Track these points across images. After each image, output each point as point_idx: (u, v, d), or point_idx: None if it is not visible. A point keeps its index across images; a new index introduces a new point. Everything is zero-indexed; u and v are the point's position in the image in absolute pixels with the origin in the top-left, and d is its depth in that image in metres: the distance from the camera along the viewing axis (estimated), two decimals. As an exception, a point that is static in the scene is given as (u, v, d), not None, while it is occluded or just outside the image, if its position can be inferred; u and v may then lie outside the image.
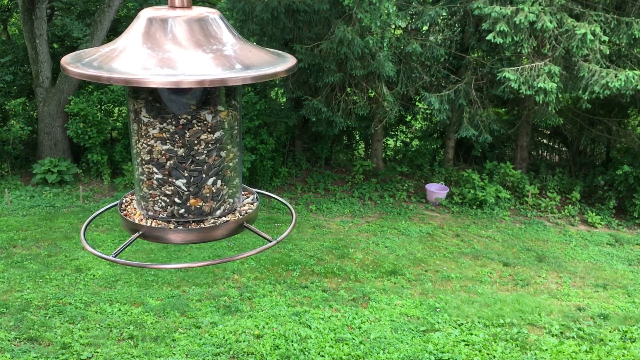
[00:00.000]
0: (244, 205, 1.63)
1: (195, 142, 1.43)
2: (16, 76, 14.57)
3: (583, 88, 10.92)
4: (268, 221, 11.47)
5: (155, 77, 1.19)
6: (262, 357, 6.69)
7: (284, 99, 15.33)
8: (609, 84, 10.44)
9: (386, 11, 10.45)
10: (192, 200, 1.49)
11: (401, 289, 8.99)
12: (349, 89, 12.77)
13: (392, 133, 16.50)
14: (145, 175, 1.49)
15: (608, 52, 11.00)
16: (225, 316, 7.65)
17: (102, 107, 14.38)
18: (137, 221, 1.53)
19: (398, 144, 16.76)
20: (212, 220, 1.52)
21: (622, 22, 10.93)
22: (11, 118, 15.09)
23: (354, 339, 7.17)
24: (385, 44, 11.30)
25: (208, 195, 1.50)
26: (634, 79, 10.38)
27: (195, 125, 1.42)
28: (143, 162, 1.48)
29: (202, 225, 1.51)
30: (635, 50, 11.79)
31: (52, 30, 14.23)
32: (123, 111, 15.08)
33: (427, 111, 15.16)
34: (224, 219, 1.54)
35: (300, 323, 7.54)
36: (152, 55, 1.25)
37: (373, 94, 12.87)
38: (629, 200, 12.91)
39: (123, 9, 15.38)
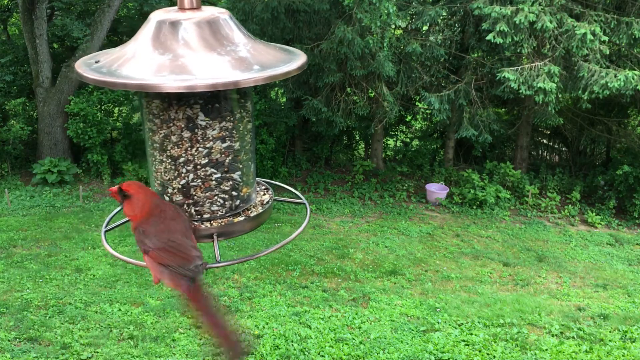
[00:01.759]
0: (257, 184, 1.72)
1: (246, 133, 1.49)
2: (16, 76, 14.56)
3: (583, 88, 10.92)
4: (268, 221, 11.45)
5: (169, 82, 1.19)
6: (262, 357, 6.69)
7: (284, 99, 15.33)
8: (609, 84, 10.44)
9: (386, 11, 10.45)
10: (243, 190, 1.54)
11: (401, 289, 8.99)
12: (349, 89, 12.77)
13: (392, 133, 16.50)
14: (200, 180, 1.48)
15: (608, 52, 11.00)
16: (225, 316, 7.64)
17: (102, 107, 14.38)
18: (203, 226, 1.54)
19: (398, 144, 16.77)
20: (253, 205, 1.59)
21: (622, 22, 10.93)
22: (11, 118, 15.08)
23: (354, 339, 7.17)
24: (385, 44, 11.30)
25: (252, 180, 1.57)
26: (633, 79, 10.38)
27: (245, 117, 1.48)
28: (198, 167, 1.46)
29: (256, 212, 1.58)
30: (635, 50, 11.80)
31: (52, 30, 14.23)
32: (123, 111, 15.08)
33: (427, 111, 15.16)
34: (261, 199, 1.63)
35: (300, 323, 7.55)
36: (163, 59, 1.25)
37: (373, 94, 12.87)
38: (629, 200, 12.91)
39: (123, 9, 15.39)
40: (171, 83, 1.19)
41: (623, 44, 11.48)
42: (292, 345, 6.95)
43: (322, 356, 6.75)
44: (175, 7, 1.36)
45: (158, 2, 14.46)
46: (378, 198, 13.36)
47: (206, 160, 1.46)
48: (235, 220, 1.54)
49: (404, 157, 15.46)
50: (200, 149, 1.44)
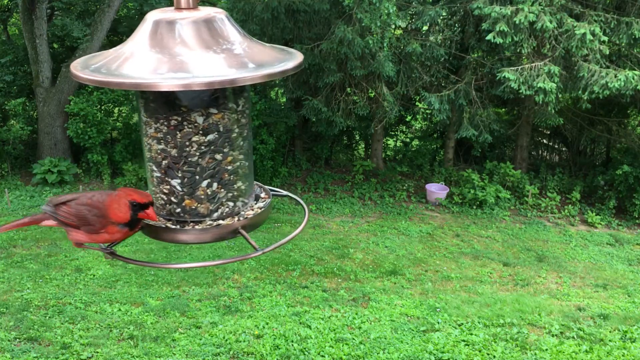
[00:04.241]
0: (251, 210, 1.59)
1: (187, 143, 1.43)
2: (16, 76, 14.56)
3: (583, 88, 10.92)
4: (268, 221, 11.45)
5: (164, 80, 1.19)
6: (262, 357, 6.69)
7: (284, 99, 15.33)
8: (609, 84, 10.44)
9: (386, 11, 10.45)
10: (187, 201, 1.49)
11: (401, 289, 8.99)
12: (349, 89, 12.77)
13: (392, 133, 16.50)
14: (149, 172, 1.52)
15: (608, 52, 11.00)
16: (225, 316, 7.65)
17: (102, 107, 14.38)
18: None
19: (398, 144, 16.76)
20: (209, 222, 1.51)
21: (622, 22, 10.93)
22: (11, 118, 15.08)
23: (354, 339, 7.17)
24: (385, 44, 11.30)
25: (203, 197, 1.48)
26: (633, 79, 10.37)
27: (186, 127, 1.41)
28: (146, 159, 1.51)
29: (196, 227, 1.50)
30: (635, 50, 11.79)
31: (52, 30, 14.22)
32: (123, 111, 15.09)
33: (427, 111, 15.16)
34: (221, 222, 1.52)
35: (300, 323, 7.55)
36: (160, 58, 1.25)
37: (373, 94, 12.87)
38: (629, 200, 12.91)
39: (123, 9, 15.39)
40: (166, 82, 1.19)
41: (623, 44, 11.48)
42: (292, 345, 6.95)
43: (322, 356, 6.75)
44: (172, 7, 1.36)
45: (158, 2, 14.46)
46: (378, 198, 13.35)
47: (148, 156, 1.49)
48: (167, 225, 1.50)
49: (404, 157, 15.46)
50: (146, 142, 1.48)
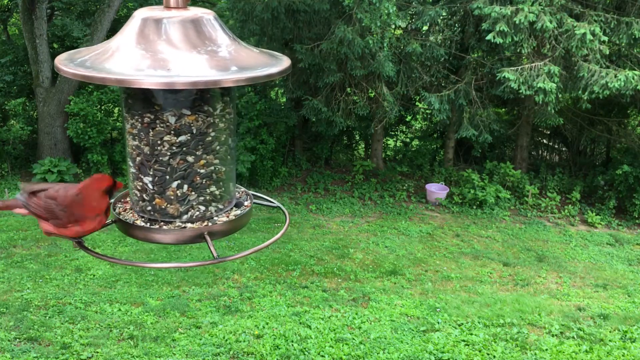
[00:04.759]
0: (226, 217, 1.57)
1: (159, 142, 1.43)
2: (16, 76, 14.56)
3: (583, 88, 10.92)
4: (268, 221, 11.47)
5: (148, 77, 1.19)
6: (262, 357, 6.69)
7: (284, 99, 15.33)
8: (609, 84, 10.44)
9: (386, 11, 10.46)
10: (157, 200, 1.49)
11: (401, 289, 8.99)
12: (349, 89, 12.77)
13: (392, 133, 16.51)
14: (127, 168, 1.54)
15: (608, 52, 11.00)
16: (225, 316, 7.65)
17: (102, 107, 14.37)
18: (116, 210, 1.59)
19: (398, 144, 16.77)
20: (178, 224, 1.50)
21: (622, 22, 10.93)
22: (11, 118, 15.08)
23: (354, 339, 7.17)
24: (385, 44, 11.30)
25: (173, 197, 1.48)
26: (633, 79, 10.38)
27: (158, 125, 1.42)
28: (126, 154, 1.53)
29: (164, 227, 1.49)
30: (635, 50, 11.79)
31: (52, 30, 14.22)
32: (123, 111, 15.09)
33: (427, 111, 15.16)
34: (189, 225, 1.51)
35: (300, 323, 7.55)
36: (145, 55, 1.25)
37: (373, 94, 12.87)
38: (629, 200, 12.91)
39: (123, 9, 15.38)
40: (149, 79, 1.19)
41: (623, 44, 11.48)
42: (292, 345, 6.95)
43: (322, 356, 6.76)
44: (161, 6, 1.36)
45: (158, 2, 14.45)
46: (378, 198, 13.35)
47: (127, 151, 1.50)
48: (136, 222, 1.50)
49: (404, 157, 15.46)
50: (126, 137, 1.50)
